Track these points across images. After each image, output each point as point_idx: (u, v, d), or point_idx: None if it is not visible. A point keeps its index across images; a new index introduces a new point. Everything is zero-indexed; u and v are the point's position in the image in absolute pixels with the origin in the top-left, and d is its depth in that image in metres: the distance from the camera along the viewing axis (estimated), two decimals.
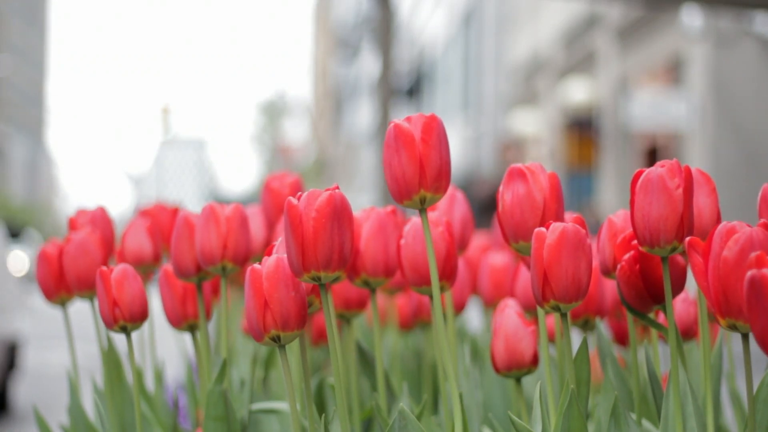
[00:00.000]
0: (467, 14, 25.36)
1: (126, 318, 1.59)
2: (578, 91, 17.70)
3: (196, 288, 1.75)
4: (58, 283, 1.91)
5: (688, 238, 1.24)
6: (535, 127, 20.49)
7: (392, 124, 1.39)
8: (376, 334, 1.69)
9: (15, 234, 9.80)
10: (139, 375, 2.06)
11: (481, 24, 24.14)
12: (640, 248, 1.38)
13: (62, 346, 8.56)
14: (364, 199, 33.41)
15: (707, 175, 1.48)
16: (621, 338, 1.99)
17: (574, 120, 18.16)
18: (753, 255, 1.04)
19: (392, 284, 1.97)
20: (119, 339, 1.70)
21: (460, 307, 2.03)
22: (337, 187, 1.35)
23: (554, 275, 1.30)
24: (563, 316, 1.35)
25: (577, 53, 17.94)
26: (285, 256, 1.36)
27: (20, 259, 13.84)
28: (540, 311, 1.41)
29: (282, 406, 1.74)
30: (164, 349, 2.69)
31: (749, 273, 1.00)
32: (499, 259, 2.23)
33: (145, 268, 2.03)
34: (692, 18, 12.78)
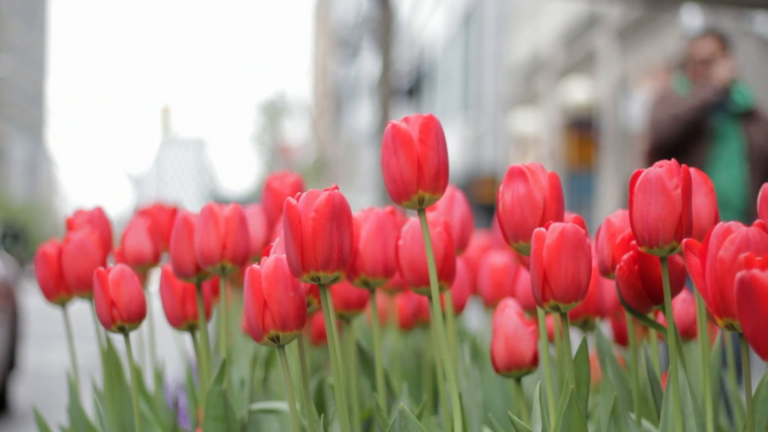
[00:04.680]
0: (467, 14, 25.33)
1: (124, 318, 1.59)
2: (578, 91, 17.67)
3: (196, 288, 1.75)
4: (58, 283, 1.91)
5: (685, 240, 1.24)
6: (535, 127, 20.47)
7: (390, 125, 1.39)
8: (375, 334, 1.69)
9: (15, 234, 9.70)
10: (137, 375, 2.06)
11: (481, 24, 24.11)
12: (639, 249, 1.38)
13: (62, 346, 8.56)
14: (364, 199, 33.38)
15: (705, 176, 1.48)
16: (620, 338, 1.99)
17: (574, 120, 18.14)
18: (742, 256, 1.05)
19: (392, 284, 1.97)
20: (119, 339, 1.70)
21: (459, 307, 2.02)
22: (336, 188, 1.35)
23: (554, 275, 1.30)
24: (563, 316, 1.35)
25: (577, 53, 17.92)
26: (284, 256, 1.36)
27: None
28: (540, 311, 1.41)
29: (282, 406, 1.74)
30: (164, 349, 2.69)
31: (738, 274, 1.01)
32: (499, 259, 2.23)
33: (145, 268, 2.03)
34: (692, 18, 12.77)
